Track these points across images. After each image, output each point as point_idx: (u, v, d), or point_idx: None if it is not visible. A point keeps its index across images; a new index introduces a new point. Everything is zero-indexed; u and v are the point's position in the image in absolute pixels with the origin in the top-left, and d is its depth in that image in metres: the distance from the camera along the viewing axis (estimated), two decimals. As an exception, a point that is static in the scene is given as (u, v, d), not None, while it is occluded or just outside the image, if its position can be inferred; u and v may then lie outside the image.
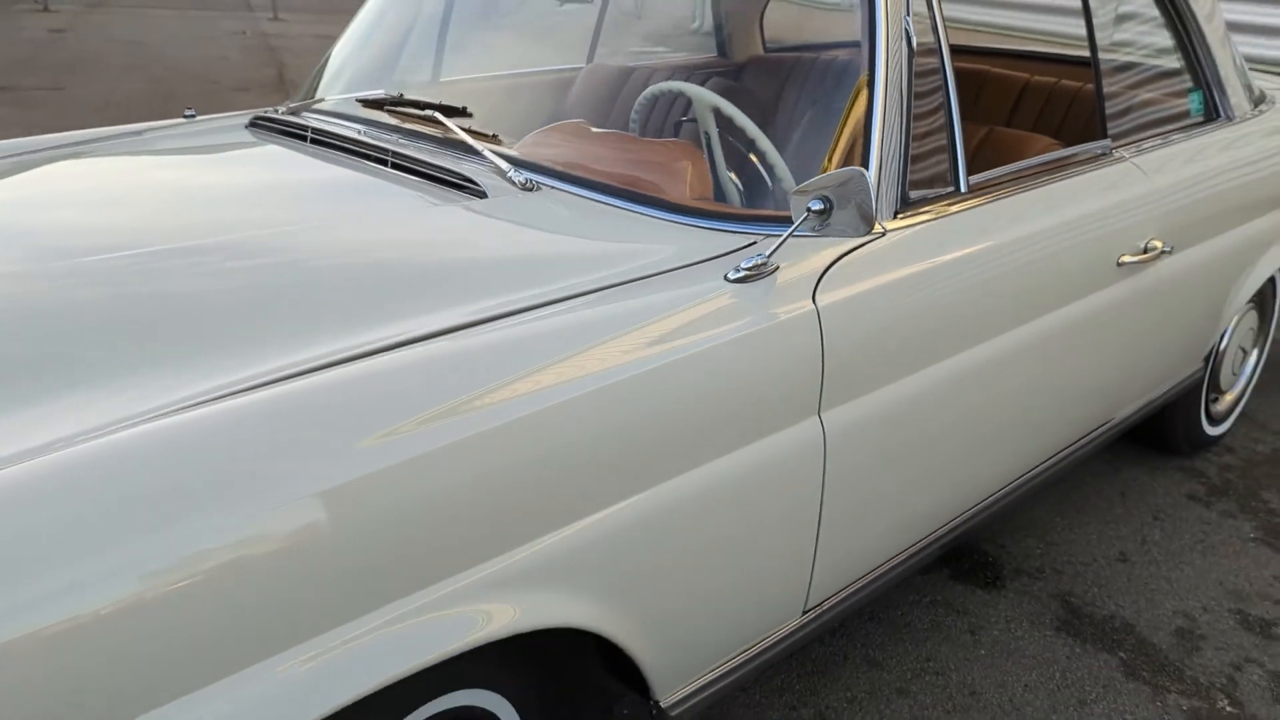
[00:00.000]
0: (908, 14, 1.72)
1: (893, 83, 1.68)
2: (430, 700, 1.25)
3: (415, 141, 1.88)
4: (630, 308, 1.37)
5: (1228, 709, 2.03)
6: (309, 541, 1.03)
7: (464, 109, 1.91)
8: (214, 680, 0.99)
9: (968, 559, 2.46)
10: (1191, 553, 2.52)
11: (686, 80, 1.99)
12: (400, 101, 1.99)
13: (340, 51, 2.42)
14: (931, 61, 1.76)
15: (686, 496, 1.37)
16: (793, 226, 1.47)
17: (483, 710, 1.35)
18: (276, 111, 2.17)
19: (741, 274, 1.46)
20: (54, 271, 1.40)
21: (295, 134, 2.00)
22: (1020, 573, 2.42)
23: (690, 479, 1.38)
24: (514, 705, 1.38)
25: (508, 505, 1.19)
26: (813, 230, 1.48)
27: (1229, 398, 2.98)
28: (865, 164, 1.64)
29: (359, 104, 2.09)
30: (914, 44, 1.72)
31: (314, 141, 1.95)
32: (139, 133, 2.17)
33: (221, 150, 2.01)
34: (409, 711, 1.23)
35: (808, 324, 1.49)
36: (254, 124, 2.12)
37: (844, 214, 1.46)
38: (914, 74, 1.72)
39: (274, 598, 1.01)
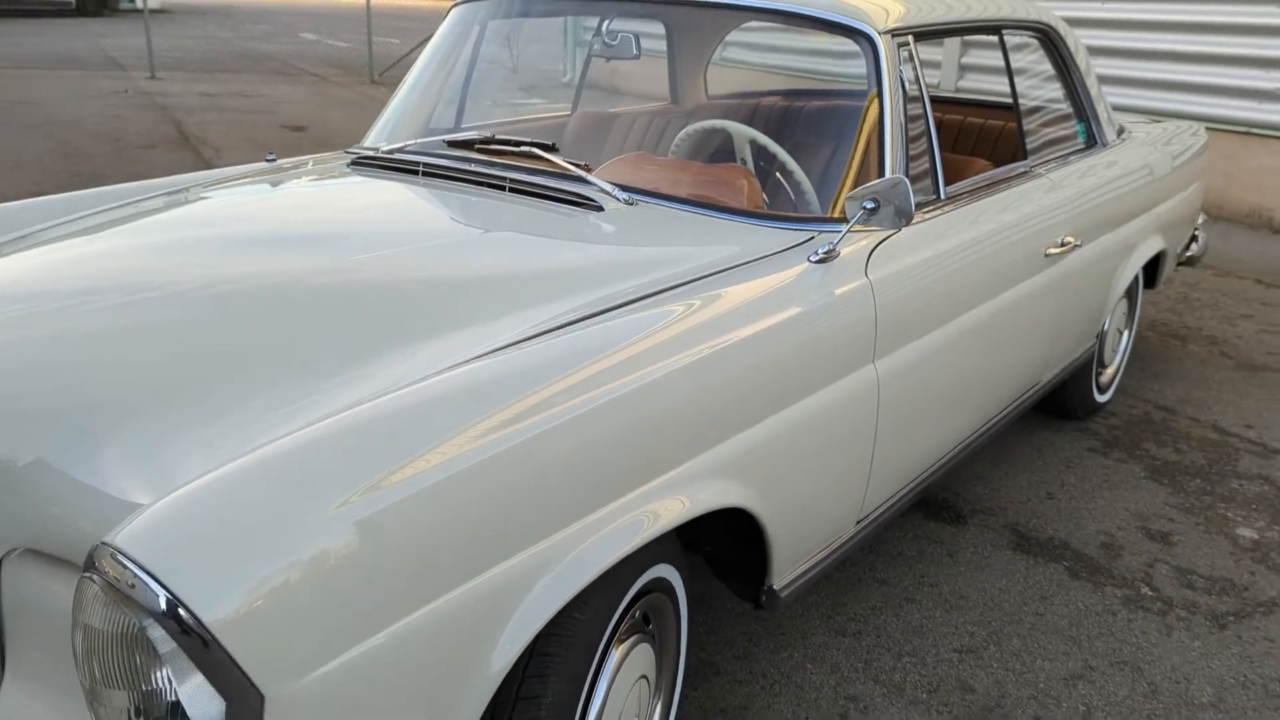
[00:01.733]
0: (901, 68, 2.30)
1: (898, 109, 2.24)
2: (645, 573, 1.69)
3: (517, 172, 2.32)
4: (751, 283, 1.87)
5: (1148, 592, 2.64)
6: (596, 437, 1.48)
7: (553, 145, 2.37)
8: (550, 534, 1.42)
9: (934, 505, 3.03)
10: (1100, 489, 3.17)
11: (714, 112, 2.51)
12: (492, 140, 2.43)
13: (394, 108, 2.84)
14: (916, 107, 2.34)
15: (806, 417, 1.86)
16: (852, 221, 2.00)
17: (666, 581, 1.79)
18: (376, 151, 2.56)
19: (819, 257, 1.98)
20: (319, 269, 1.80)
21: (406, 169, 2.41)
22: (976, 511, 3.01)
23: (803, 406, 1.87)
24: (681, 577, 1.84)
25: (694, 425, 1.65)
26: (864, 225, 2.01)
27: (1110, 371, 3.68)
28: (887, 171, 2.20)
29: (446, 144, 2.52)
30: (906, 89, 2.30)
31: (425, 174, 2.37)
32: (255, 175, 2.54)
33: (346, 186, 2.39)
34: (635, 582, 1.66)
35: (865, 294, 2.02)
36: (358, 163, 2.52)
37: (886, 211, 2.00)
38: (908, 105, 2.29)
39: (579, 477, 1.45)
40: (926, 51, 7.83)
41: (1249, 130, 6.41)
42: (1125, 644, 2.42)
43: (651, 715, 1.85)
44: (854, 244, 2.09)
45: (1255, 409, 3.78)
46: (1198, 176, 4.07)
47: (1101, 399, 3.65)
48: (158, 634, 1.10)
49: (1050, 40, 3.10)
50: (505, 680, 1.43)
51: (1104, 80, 6.83)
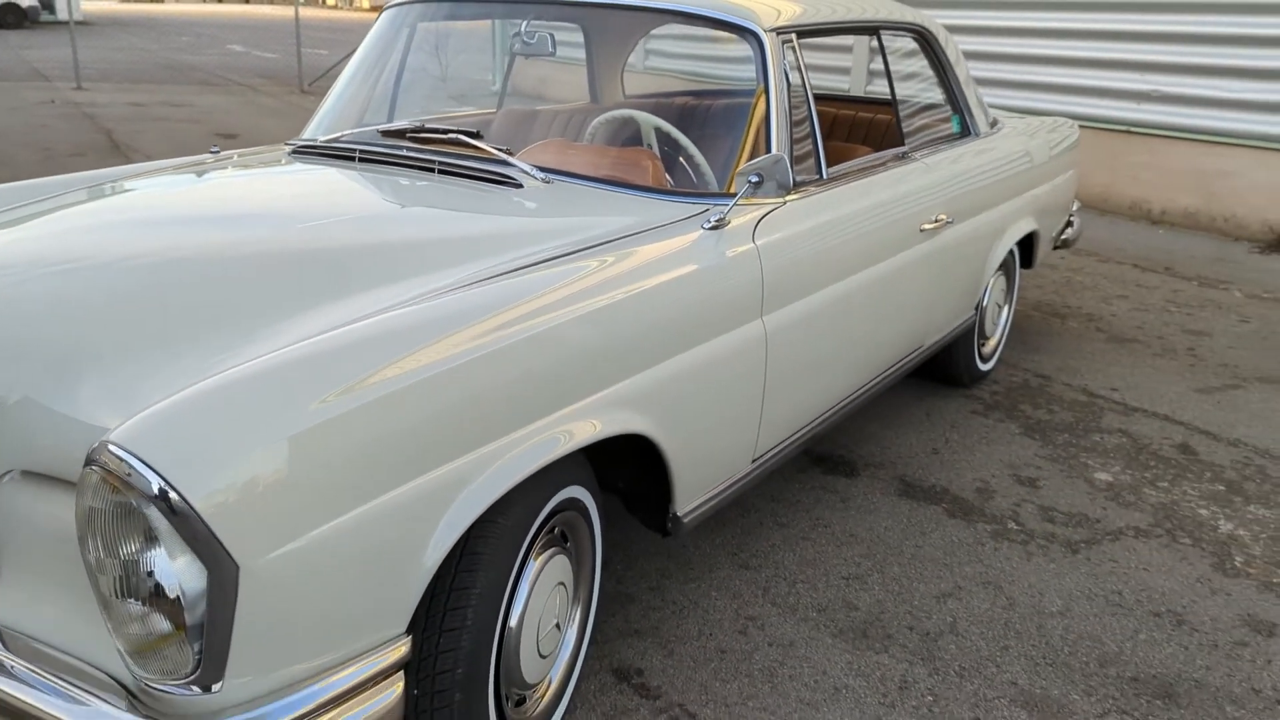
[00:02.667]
0: (785, 62, 2.61)
1: (782, 97, 2.55)
2: (560, 490, 1.96)
3: (446, 156, 2.58)
4: (653, 246, 2.15)
5: (1014, 526, 2.98)
6: (522, 366, 1.75)
7: (478, 133, 2.63)
8: (479, 446, 1.68)
9: (831, 460, 3.35)
10: (979, 445, 3.52)
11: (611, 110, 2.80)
12: (422, 129, 2.69)
13: (331, 103, 3.09)
14: (800, 97, 2.65)
15: (700, 361, 2.15)
16: (740, 194, 2.31)
17: (581, 503, 2.07)
18: (314, 141, 2.81)
19: (711, 225, 2.27)
20: (247, 240, 2.05)
21: (343, 156, 2.66)
22: (868, 465, 3.33)
23: (698, 353, 2.16)
24: (594, 498, 2.11)
25: (605, 360, 1.93)
26: (751, 197, 2.32)
27: (991, 342, 4.05)
28: (771, 150, 2.50)
29: (380, 134, 2.77)
30: (789, 80, 2.61)
31: (362, 159, 2.62)
32: (199, 164, 2.76)
33: (289, 170, 2.63)
34: (551, 497, 1.93)
35: (752, 257, 2.32)
36: (298, 152, 2.76)
37: (769, 184, 2.31)
38: (792, 103, 2.61)
39: (507, 393, 1.72)
40: (839, 57, 8.27)
41: (1129, 129, 6.91)
42: (990, 568, 2.75)
43: (570, 619, 2.12)
44: (744, 215, 2.39)
45: (1121, 374, 4.18)
46: (1071, 166, 4.48)
47: (985, 367, 4.01)
48: (151, 513, 1.35)
49: (926, 40, 3.45)
50: (440, 572, 1.70)
51: (1000, 83, 7.33)
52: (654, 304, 2.06)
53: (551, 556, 1.98)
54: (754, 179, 2.31)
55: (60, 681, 1.50)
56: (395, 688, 1.63)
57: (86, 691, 1.49)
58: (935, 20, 3.53)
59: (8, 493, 1.63)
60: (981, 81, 7.58)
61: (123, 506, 1.37)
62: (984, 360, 3.99)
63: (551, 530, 2.01)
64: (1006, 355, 4.31)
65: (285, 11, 44.24)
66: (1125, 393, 3.99)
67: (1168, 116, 6.71)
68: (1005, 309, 4.13)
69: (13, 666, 1.54)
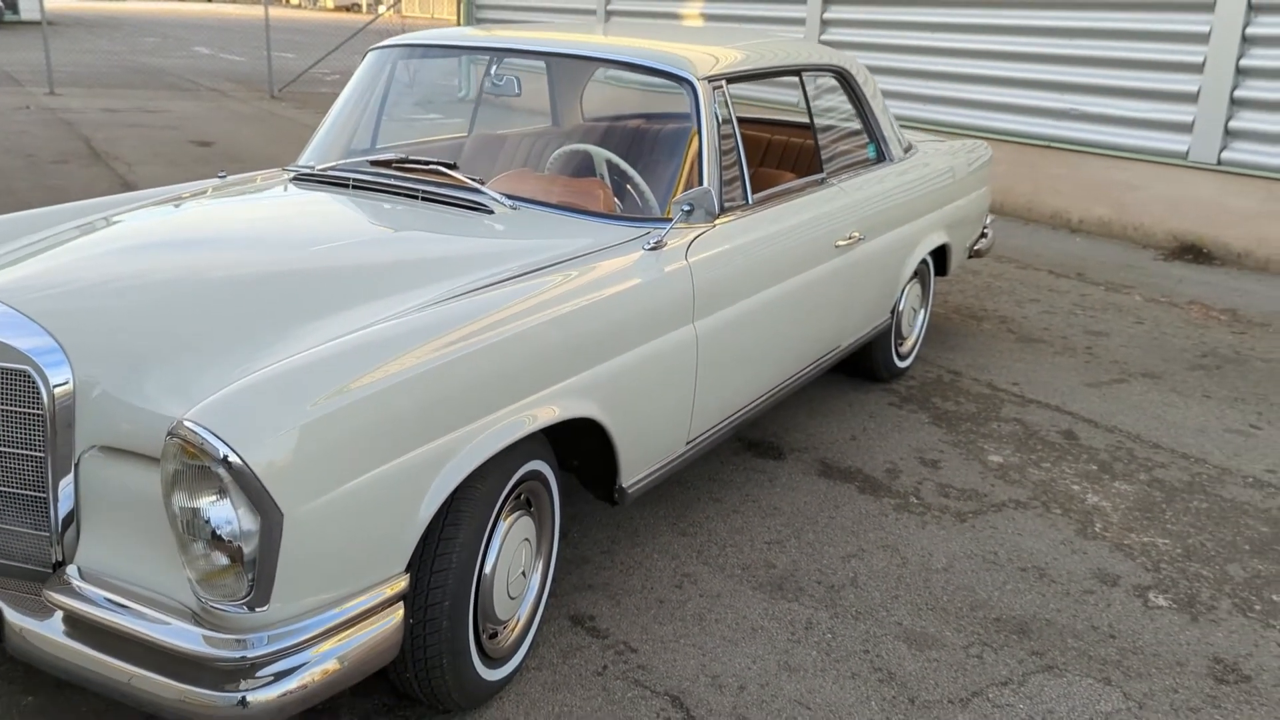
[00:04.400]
0: (715, 105, 3.09)
1: (712, 136, 3.04)
2: (526, 463, 2.42)
3: (429, 185, 3.03)
4: (601, 263, 2.63)
5: (914, 501, 3.49)
6: (495, 363, 2.21)
7: (454, 164, 3.09)
8: (462, 426, 2.15)
9: (761, 445, 3.84)
10: (892, 432, 4.03)
11: (577, 135, 3.27)
12: (407, 160, 3.14)
13: (325, 131, 3.53)
14: (729, 134, 3.13)
15: (641, 360, 2.63)
16: (675, 220, 2.79)
17: (543, 475, 2.53)
18: (313, 168, 3.25)
19: (651, 246, 2.75)
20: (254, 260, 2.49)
21: (338, 184, 3.11)
22: (793, 449, 3.83)
23: (639, 352, 2.63)
24: (553, 472, 2.58)
25: (562, 358, 2.40)
26: (682, 220, 2.80)
27: (909, 342, 4.57)
28: (702, 183, 2.98)
29: (370, 163, 3.22)
30: (719, 120, 3.10)
31: (355, 187, 3.07)
32: (218, 188, 3.20)
33: (293, 197, 3.08)
34: (519, 468, 2.40)
35: (685, 273, 2.80)
36: (298, 179, 3.20)
37: (700, 212, 2.80)
38: (721, 132, 3.09)
39: (477, 389, 2.19)
40: (785, 83, 8.68)
41: (1050, 145, 7.49)
42: (890, 534, 3.26)
43: (534, 569, 2.59)
44: (680, 238, 2.87)
45: (1024, 370, 4.72)
46: (983, 183, 5.02)
47: (902, 365, 4.52)
48: (220, 472, 1.80)
49: (845, 79, 3.96)
50: (431, 525, 2.16)
51: (932, 100, 7.88)
52: (602, 312, 2.53)
53: (519, 518, 2.45)
54: (686, 208, 2.79)
55: (147, 609, 1.94)
56: (397, 614, 2.09)
57: (165, 616, 1.93)
58: (855, 60, 4.04)
59: (89, 464, 2.07)
60: (919, 98, 8.15)
61: (198, 468, 1.82)
62: (901, 358, 4.51)
63: (519, 496, 2.48)
64: (924, 353, 4.84)
65: (249, 11, 44.16)
66: (1025, 386, 4.52)
67: (1083, 133, 7.29)
68: (921, 313, 4.65)
69: (110, 602, 1.98)
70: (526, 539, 2.49)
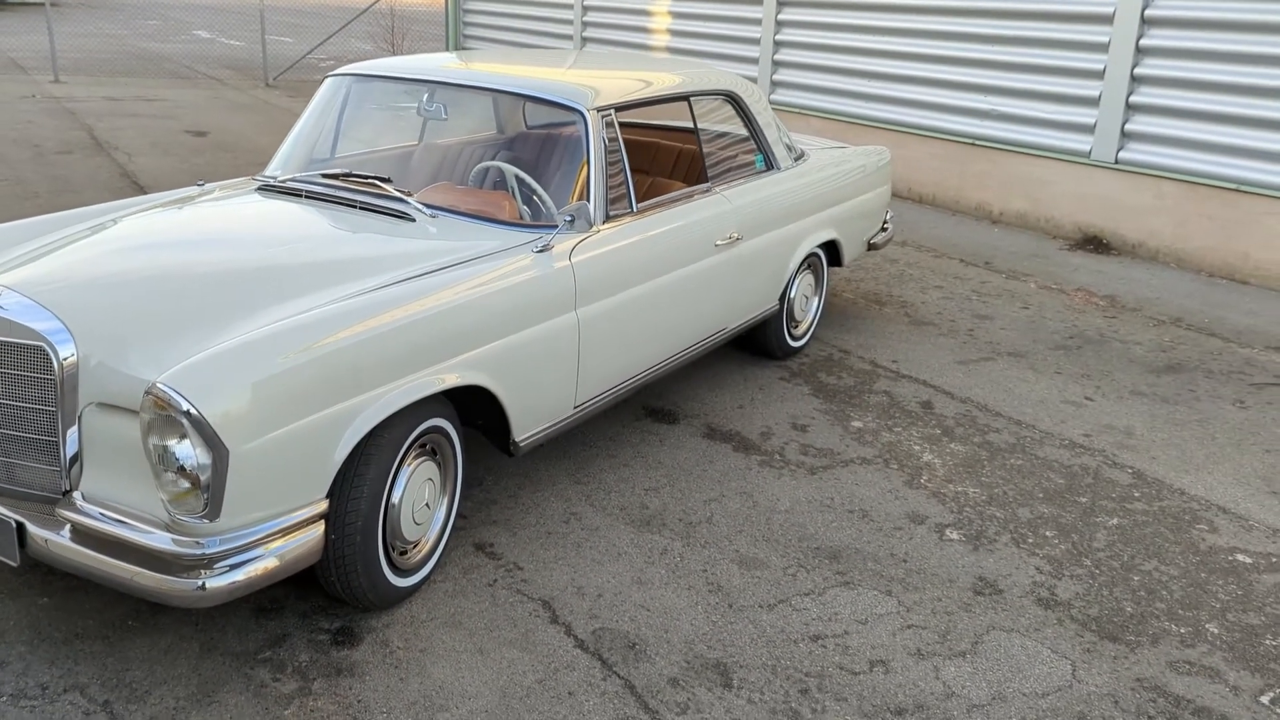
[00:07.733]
0: (603, 131, 3.76)
1: (599, 158, 3.71)
2: (427, 420, 3.12)
3: (366, 195, 3.72)
4: (497, 263, 3.32)
5: (777, 458, 4.18)
6: (408, 340, 2.91)
7: (388, 178, 3.77)
8: (373, 388, 2.84)
9: (659, 412, 4.54)
10: (775, 402, 4.72)
11: (495, 152, 3.95)
12: (351, 174, 3.83)
13: (289, 145, 4.22)
14: (615, 150, 3.81)
15: (528, 339, 3.32)
16: (559, 228, 3.48)
17: (445, 430, 3.23)
18: (275, 179, 3.94)
19: (540, 248, 3.44)
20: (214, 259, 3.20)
21: (293, 192, 3.80)
22: (686, 416, 4.53)
23: (526, 334, 3.33)
24: (454, 427, 3.28)
25: (463, 336, 3.09)
26: (566, 229, 3.49)
27: (803, 325, 5.25)
28: (588, 198, 3.67)
29: (322, 175, 3.90)
30: (606, 141, 3.77)
31: (308, 196, 3.76)
32: (196, 196, 3.89)
33: (256, 203, 3.77)
34: (421, 423, 3.09)
35: (568, 271, 3.49)
36: (263, 189, 3.89)
37: (580, 222, 3.49)
38: (608, 154, 3.76)
39: (388, 360, 2.89)
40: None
41: (974, 142, 8.14)
42: (748, 484, 3.96)
43: (439, 504, 3.29)
44: (568, 240, 3.56)
45: (906, 350, 5.40)
46: (882, 183, 5.68)
47: (796, 344, 5.21)
48: (182, 421, 2.49)
49: (734, 100, 4.63)
50: (347, 463, 2.85)
51: (876, 99, 8.51)
52: (499, 300, 3.22)
53: (423, 462, 3.15)
54: (568, 218, 3.48)
55: (132, 521, 2.65)
56: (319, 528, 2.79)
57: (146, 526, 2.64)
58: (744, 82, 4.71)
59: (89, 417, 2.77)
60: (863, 97, 8.78)
61: (167, 418, 2.52)
62: (795, 339, 5.19)
63: (424, 446, 3.18)
64: (822, 334, 5.52)
65: (249, -12, 44.50)
66: (902, 364, 5.21)
67: (1004, 132, 7.94)
68: (815, 299, 5.33)
69: (105, 517, 2.69)
70: (430, 479, 3.19)
